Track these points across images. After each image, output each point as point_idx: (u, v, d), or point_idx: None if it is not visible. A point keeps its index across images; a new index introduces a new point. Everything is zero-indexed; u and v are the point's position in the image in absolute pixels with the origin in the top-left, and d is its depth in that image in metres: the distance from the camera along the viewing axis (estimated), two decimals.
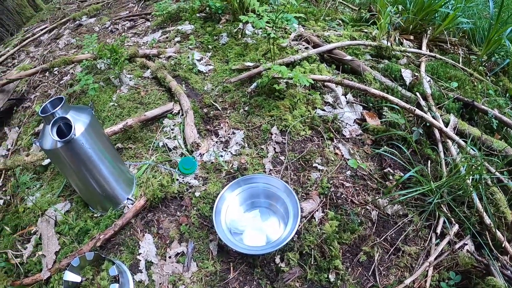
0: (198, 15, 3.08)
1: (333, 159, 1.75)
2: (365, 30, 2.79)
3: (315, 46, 2.49)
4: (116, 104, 2.21)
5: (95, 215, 1.66)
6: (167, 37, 2.92)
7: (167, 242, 1.51)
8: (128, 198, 1.66)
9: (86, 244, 1.51)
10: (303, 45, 2.52)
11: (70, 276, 1.39)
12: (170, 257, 1.47)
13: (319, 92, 2.10)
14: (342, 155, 1.78)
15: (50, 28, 4.02)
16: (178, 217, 1.59)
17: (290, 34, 2.63)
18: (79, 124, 1.37)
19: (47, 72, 2.99)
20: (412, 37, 2.81)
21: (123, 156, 1.89)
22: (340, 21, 2.99)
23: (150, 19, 3.42)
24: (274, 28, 2.07)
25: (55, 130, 1.33)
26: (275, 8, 2.75)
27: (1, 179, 2.18)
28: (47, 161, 1.99)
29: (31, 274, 1.55)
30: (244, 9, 2.78)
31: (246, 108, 2.04)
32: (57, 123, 1.35)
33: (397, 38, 2.68)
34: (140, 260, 1.47)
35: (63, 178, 1.88)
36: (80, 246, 1.54)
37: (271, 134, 1.87)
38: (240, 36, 2.68)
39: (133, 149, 1.91)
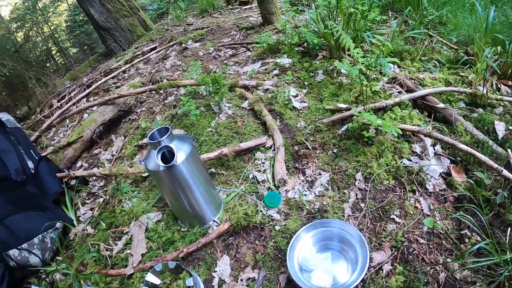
0: (296, 49, 3.37)
1: (411, 212, 1.83)
2: (461, 74, 2.80)
3: (409, 90, 2.58)
4: (214, 130, 2.53)
5: (182, 229, 1.94)
6: (266, 69, 3.22)
7: (242, 266, 1.72)
8: (214, 220, 1.91)
9: (170, 253, 1.79)
10: (396, 89, 2.62)
11: (151, 278, 1.64)
12: (241, 280, 1.67)
13: (407, 141, 2.19)
14: (422, 210, 1.85)
15: (158, 49, 4.66)
16: (256, 245, 1.79)
17: (384, 76, 2.74)
18: (181, 153, 1.65)
19: (154, 91, 3.46)
20: (510, 83, 2.75)
21: (215, 180, 2.17)
22: (436, 62, 3.03)
23: (251, 49, 3.79)
24: (368, 70, 2.24)
25: (160, 156, 1.63)
26: (370, 49, 2.94)
27: (104, 180, 2.64)
28: (147, 173, 2.37)
29: (117, 267, 1.87)
30: (341, 48, 2.98)
31: (335, 151, 2.20)
32: (162, 150, 1.64)
33: (494, 84, 2.65)
34: (215, 277, 1.69)
35: (158, 190, 2.21)
36: (164, 253, 1.82)
37: (355, 179, 2.00)
38: (335, 74, 2.87)
39: (225, 175, 2.18)
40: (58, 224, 2.23)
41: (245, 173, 2.16)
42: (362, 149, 2.14)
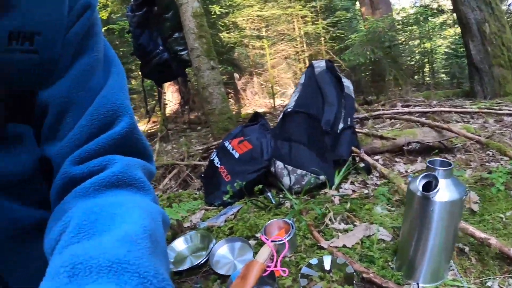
0: None
1: None
2: None
3: None
4: (504, 219, 2.06)
5: (389, 263, 1.77)
6: None
7: None
8: (418, 283, 1.61)
9: (357, 264, 1.69)
10: None
11: (325, 261, 1.65)
12: None
13: None
14: None
15: None
16: None
17: None
18: (446, 193, 1.42)
19: (481, 144, 3.06)
20: None
21: (458, 259, 1.77)
22: None
23: None
24: None
25: (424, 182, 1.46)
26: None
27: (380, 179, 2.67)
28: None
29: (321, 235, 1.96)
30: None
31: None
32: (429, 178, 1.46)
33: None
34: None
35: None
36: (356, 262, 1.71)
37: None
38: None
39: (469, 262, 1.76)
40: (322, 177, 2.48)
41: (489, 278, 1.66)
42: None
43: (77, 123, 0.70)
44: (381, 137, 3.22)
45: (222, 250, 1.85)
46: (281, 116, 2.87)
